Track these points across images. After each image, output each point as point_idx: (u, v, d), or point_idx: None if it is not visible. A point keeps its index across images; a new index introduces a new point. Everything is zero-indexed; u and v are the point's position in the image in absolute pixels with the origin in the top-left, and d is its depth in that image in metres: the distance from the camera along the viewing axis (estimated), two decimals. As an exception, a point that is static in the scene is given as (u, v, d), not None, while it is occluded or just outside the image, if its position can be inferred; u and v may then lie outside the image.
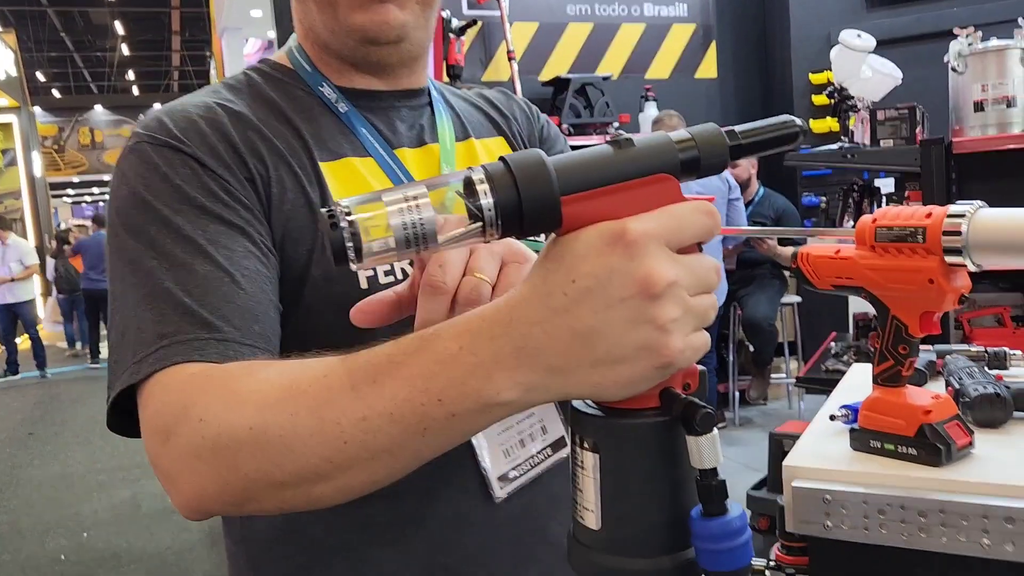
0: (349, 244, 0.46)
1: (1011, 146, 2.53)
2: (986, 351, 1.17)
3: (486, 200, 0.46)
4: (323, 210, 0.47)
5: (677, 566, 0.49)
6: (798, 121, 0.52)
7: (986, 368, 1.14)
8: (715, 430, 0.47)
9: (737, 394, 5.01)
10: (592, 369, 0.47)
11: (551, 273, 0.48)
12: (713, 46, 5.50)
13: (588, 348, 0.47)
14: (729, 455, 4.74)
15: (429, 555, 0.84)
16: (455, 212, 0.47)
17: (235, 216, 0.75)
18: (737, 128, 0.53)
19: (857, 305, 3.54)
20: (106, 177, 23.82)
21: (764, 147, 0.53)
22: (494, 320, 0.49)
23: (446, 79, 4.41)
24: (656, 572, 0.49)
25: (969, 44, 2.56)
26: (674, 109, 5.09)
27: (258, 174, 0.78)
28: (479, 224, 0.47)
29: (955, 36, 2.61)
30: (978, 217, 0.79)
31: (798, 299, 4.88)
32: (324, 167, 0.83)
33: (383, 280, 0.81)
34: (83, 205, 29.58)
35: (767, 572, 1.08)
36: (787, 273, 4.57)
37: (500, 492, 0.85)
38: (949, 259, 0.80)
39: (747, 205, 4.54)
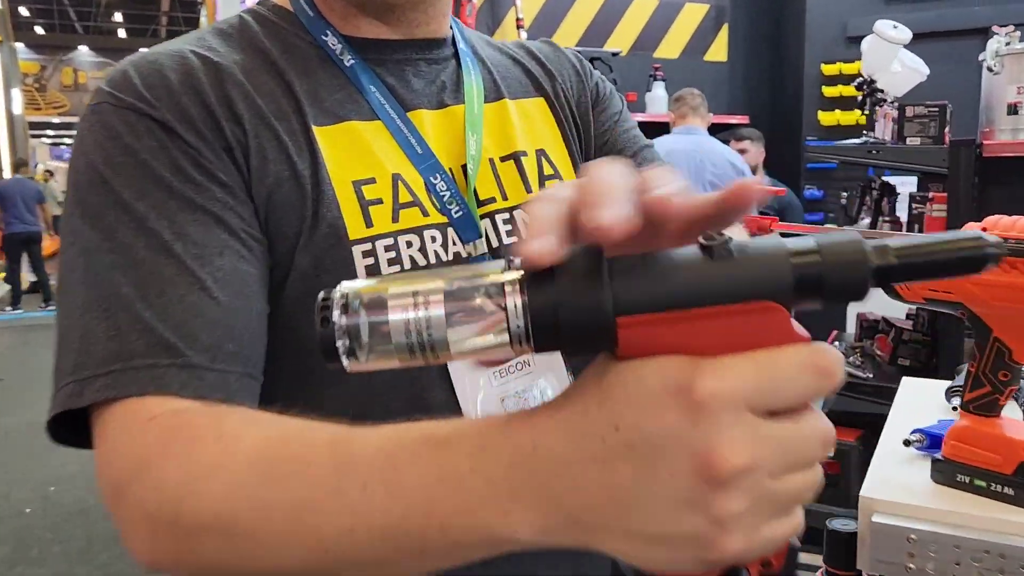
0: (341, 342, 0.39)
1: (1043, 154, 2.44)
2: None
3: (512, 305, 0.38)
4: (320, 297, 0.40)
5: None
6: (990, 239, 0.39)
7: (1057, 394, 1.06)
8: None
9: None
10: (624, 538, 0.39)
11: (592, 407, 0.38)
12: (725, 28, 5.36)
13: (621, 514, 0.38)
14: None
15: None
16: (482, 307, 0.39)
17: (209, 199, 0.64)
18: (892, 243, 0.39)
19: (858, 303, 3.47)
20: (87, 120, 23.26)
21: (928, 273, 0.39)
22: (516, 443, 0.40)
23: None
24: None
25: (1007, 43, 2.46)
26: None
27: (237, 142, 0.66)
28: (504, 336, 0.38)
29: (992, 34, 2.51)
30: (1118, 235, 0.70)
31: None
32: (319, 132, 0.70)
33: (386, 270, 0.69)
34: (62, 147, 29.00)
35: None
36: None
37: None
38: (1076, 281, 0.72)
39: (751, 194, 4.44)
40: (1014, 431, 0.78)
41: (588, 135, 0.87)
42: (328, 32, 0.75)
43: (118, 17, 24.64)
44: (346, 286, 0.40)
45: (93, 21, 24.61)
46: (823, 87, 4.91)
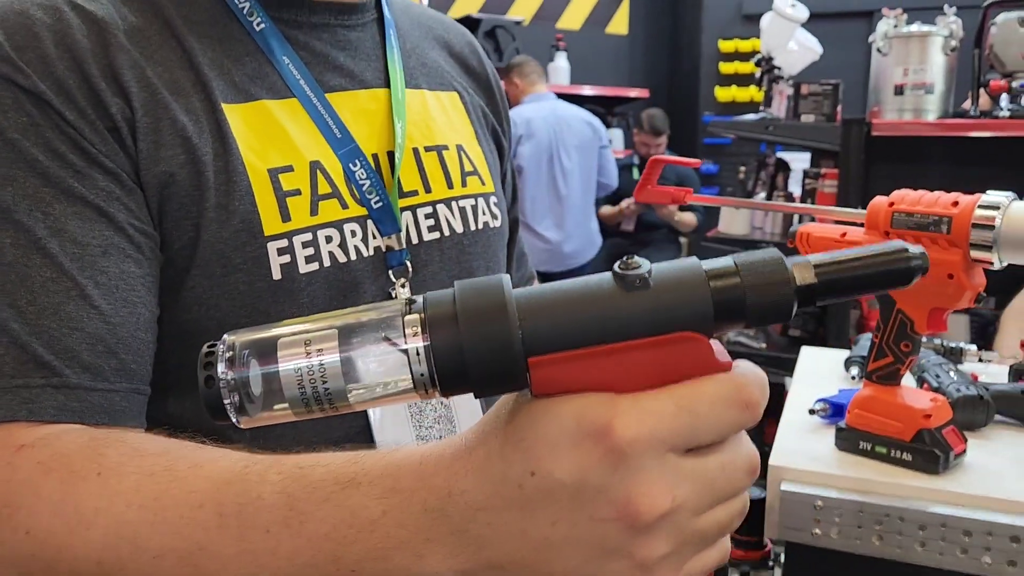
0: (228, 401, 0.36)
1: (924, 133, 2.57)
2: (942, 344, 1.14)
3: (414, 349, 0.35)
4: (204, 348, 0.37)
5: None
6: (914, 250, 0.38)
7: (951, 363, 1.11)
8: None
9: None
10: None
11: (508, 451, 0.37)
12: (626, 2, 5.40)
13: (542, 561, 0.37)
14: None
15: None
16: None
17: (91, 188, 0.55)
18: (813, 259, 0.37)
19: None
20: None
21: (853, 289, 0.38)
22: (430, 485, 0.38)
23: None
24: None
25: (895, 26, 2.56)
26: (583, 62, 4.99)
27: (123, 119, 0.57)
28: (408, 382, 0.36)
29: (880, 16, 2.61)
30: (1014, 210, 0.73)
31: (691, 265, 4.93)
32: (229, 111, 0.61)
33: (304, 268, 0.62)
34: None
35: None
36: (682, 239, 4.60)
37: None
38: (975, 254, 0.74)
39: (650, 167, 4.50)
40: (913, 400, 0.81)
41: (502, 149, 0.84)
42: None
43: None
44: (233, 335, 0.37)
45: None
46: (720, 63, 5.03)
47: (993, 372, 1.11)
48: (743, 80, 4.92)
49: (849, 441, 0.83)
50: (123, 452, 0.48)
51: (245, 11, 0.65)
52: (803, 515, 0.77)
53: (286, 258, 0.61)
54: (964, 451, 0.80)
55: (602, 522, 0.35)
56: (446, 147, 0.74)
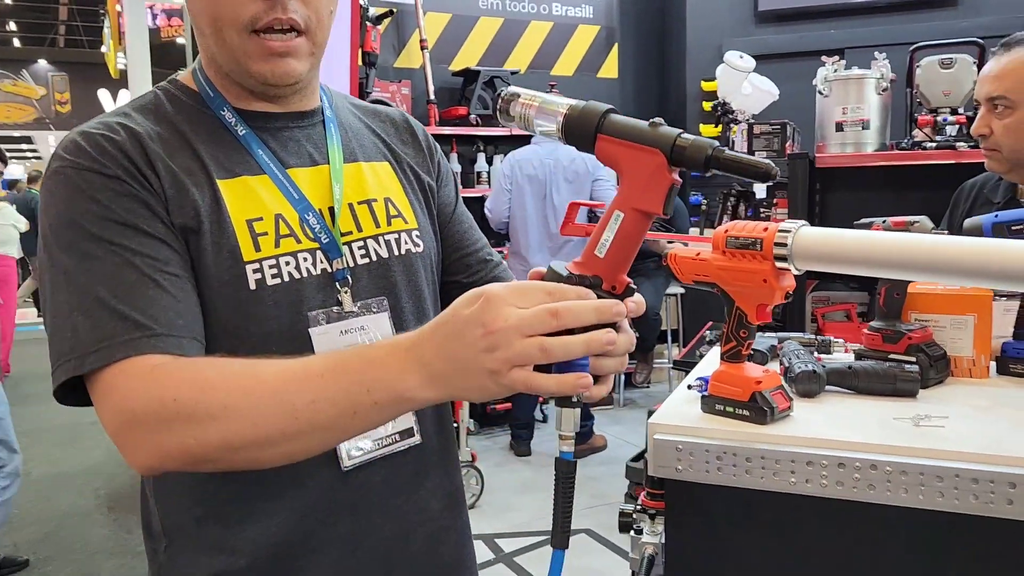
0: (501, 111, 0.88)
1: (864, 164, 2.87)
2: (816, 338, 1.44)
3: (560, 119, 0.82)
4: (502, 90, 0.88)
5: None
6: (773, 169, 0.77)
7: (814, 352, 1.41)
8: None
9: (623, 377, 5.33)
10: (462, 387, 0.73)
11: (447, 313, 0.74)
12: (615, 48, 5.78)
13: (459, 366, 0.72)
14: (613, 432, 5.06)
15: (295, 506, 0.98)
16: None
17: (155, 228, 0.88)
18: (727, 152, 0.77)
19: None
20: (-19, 133, 22.27)
21: (736, 172, 0.77)
22: (410, 339, 0.75)
23: (361, 65, 4.52)
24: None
25: (834, 71, 2.88)
26: (576, 106, 5.34)
27: (160, 191, 0.90)
28: (555, 127, 0.84)
29: (823, 62, 2.92)
30: (800, 233, 1.03)
31: (682, 290, 5.23)
32: (221, 184, 0.94)
33: (270, 282, 0.95)
34: (-47, 162, 27.55)
35: (634, 515, 1.32)
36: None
37: (348, 462, 1.01)
38: (778, 264, 1.04)
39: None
40: (751, 372, 1.10)
41: (432, 196, 1.16)
42: (225, 108, 1.00)
43: (12, 26, 23.69)
44: (509, 88, 0.87)
45: (-16, 31, 23.61)
46: (703, 102, 5.36)
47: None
48: (726, 117, 5.25)
49: (709, 405, 1.12)
50: (222, 360, 0.84)
51: (233, 123, 1.00)
52: (669, 456, 1.07)
53: (258, 275, 0.95)
54: (789, 407, 1.09)
55: (477, 335, 0.70)
56: (375, 200, 1.07)
